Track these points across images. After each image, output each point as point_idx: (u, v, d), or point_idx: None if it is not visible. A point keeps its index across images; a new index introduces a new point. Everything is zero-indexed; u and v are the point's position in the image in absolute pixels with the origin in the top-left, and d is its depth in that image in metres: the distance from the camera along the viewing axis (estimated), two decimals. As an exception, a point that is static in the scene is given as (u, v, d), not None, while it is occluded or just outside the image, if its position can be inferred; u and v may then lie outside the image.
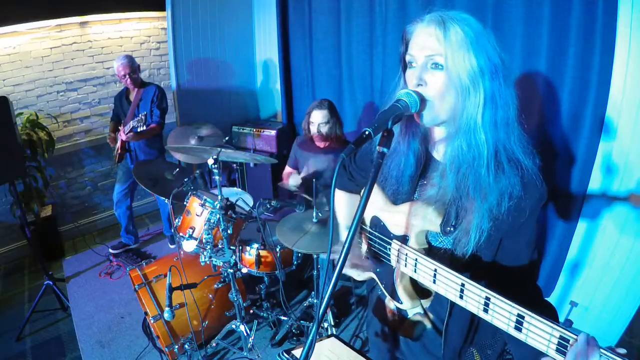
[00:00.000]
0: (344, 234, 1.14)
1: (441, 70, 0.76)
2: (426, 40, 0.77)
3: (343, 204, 1.19)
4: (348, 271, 1.04)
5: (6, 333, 2.47)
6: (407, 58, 0.82)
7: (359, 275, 1.06)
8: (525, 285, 0.87)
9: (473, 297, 0.73)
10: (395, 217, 0.94)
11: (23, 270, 3.18)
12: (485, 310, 0.72)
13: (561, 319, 2.14)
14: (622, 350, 0.59)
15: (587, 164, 1.84)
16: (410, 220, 0.89)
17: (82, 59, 3.27)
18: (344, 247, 0.69)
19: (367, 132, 0.71)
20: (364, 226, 1.06)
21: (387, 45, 2.56)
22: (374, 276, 1.04)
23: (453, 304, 0.89)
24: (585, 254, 1.98)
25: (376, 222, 1.00)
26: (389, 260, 0.95)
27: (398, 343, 1.11)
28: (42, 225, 3.14)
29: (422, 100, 0.78)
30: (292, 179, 2.43)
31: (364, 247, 1.08)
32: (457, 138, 0.78)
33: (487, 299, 0.70)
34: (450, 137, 0.81)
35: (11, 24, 2.85)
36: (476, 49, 0.74)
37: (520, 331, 0.67)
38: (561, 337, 0.63)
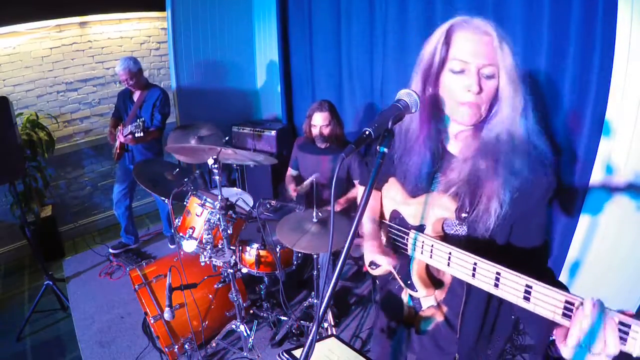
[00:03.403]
0: (369, 227, 1.15)
1: (492, 78, 0.82)
2: (482, 49, 0.81)
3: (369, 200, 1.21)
4: (378, 259, 1.02)
5: (6, 333, 2.46)
6: (454, 63, 0.83)
7: (374, 269, 1.06)
8: (537, 269, 0.88)
9: (484, 274, 0.76)
10: (412, 209, 0.97)
11: (23, 270, 3.18)
12: (496, 285, 0.75)
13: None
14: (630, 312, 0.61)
15: (587, 163, 1.84)
16: (427, 209, 0.93)
17: (82, 59, 3.28)
18: (346, 244, 0.69)
19: (367, 132, 0.72)
20: (382, 220, 1.10)
21: (387, 45, 2.56)
22: (391, 268, 1.06)
23: (469, 295, 0.93)
24: (585, 253, 1.98)
25: (395, 215, 1.05)
26: (406, 250, 0.98)
27: (407, 339, 1.11)
28: (42, 225, 3.14)
29: (465, 106, 0.83)
30: (291, 188, 2.45)
31: (384, 238, 1.11)
32: (496, 134, 0.84)
33: (498, 274, 0.74)
34: (489, 132, 0.85)
35: (11, 24, 2.85)
36: (514, 57, 0.81)
37: (529, 301, 0.69)
38: (567, 302, 0.65)
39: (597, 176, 1.84)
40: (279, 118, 3.87)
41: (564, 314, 0.65)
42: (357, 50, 2.85)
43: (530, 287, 0.69)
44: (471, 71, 0.81)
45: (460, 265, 0.81)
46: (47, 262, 3.08)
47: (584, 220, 1.94)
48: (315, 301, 2.32)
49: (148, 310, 2.04)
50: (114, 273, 3.00)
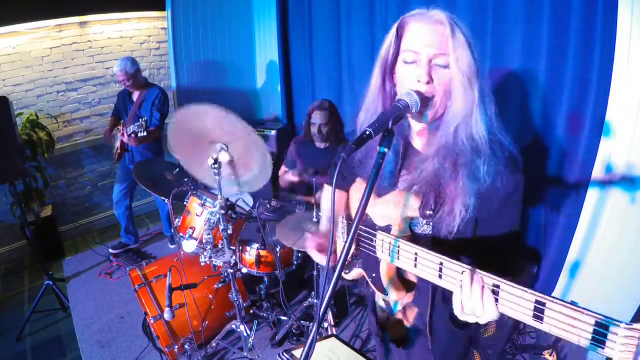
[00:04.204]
0: (326, 225, 1.17)
1: (446, 68, 0.78)
2: (434, 39, 0.78)
3: (335, 201, 1.20)
4: (311, 253, 1.06)
5: (6, 333, 2.47)
6: (406, 54, 0.82)
7: (347, 273, 1.07)
8: (501, 261, 0.87)
9: (451, 275, 0.73)
10: (379, 209, 0.96)
11: (23, 270, 3.18)
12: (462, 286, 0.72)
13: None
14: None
15: (587, 163, 1.84)
16: (393, 209, 0.91)
17: (82, 59, 3.28)
18: (344, 246, 0.69)
19: (367, 132, 0.72)
20: (350, 223, 1.08)
21: (387, 45, 2.56)
22: (363, 272, 1.05)
23: (434, 297, 0.91)
24: (585, 254, 1.98)
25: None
26: (375, 252, 0.96)
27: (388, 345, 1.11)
28: (42, 225, 3.14)
29: (424, 99, 0.79)
30: (286, 177, 2.42)
31: (353, 246, 1.09)
32: (452, 130, 0.80)
33: (469, 271, 0.71)
34: (445, 129, 0.82)
35: (11, 24, 2.85)
36: (471, 51, 0.78)
37: (498, 302, 0.66)
38: (537, 302, 0.60)
39: (597, 176, 1.84)
40: (279, 118, 3.87)
41: (535, 316, 0.61)
42: (357, 50, 2.85)
43: (498, 287, 0.65)
44: (422, 61, 0.80)
45: (427, 266, 0.78)
46: (47, 262, 3.08)
47: (584, 220, 1.94)
48: (315, 301, 2.32)
49: (148, 310, 2.04)
50: (114, 273, 3.00)
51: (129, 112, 2.88)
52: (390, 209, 0.92)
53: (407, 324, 1.02)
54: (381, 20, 2.57)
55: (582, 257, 2.00)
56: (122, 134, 2.77)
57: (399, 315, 1.03)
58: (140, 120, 2.58)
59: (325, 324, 2.24)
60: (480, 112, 0.80)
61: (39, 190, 3.16)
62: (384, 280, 0.96)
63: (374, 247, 0.95)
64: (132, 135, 2.65)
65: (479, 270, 0.67)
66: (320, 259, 1.04)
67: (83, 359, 2.23)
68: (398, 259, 0.86)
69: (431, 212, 0.85)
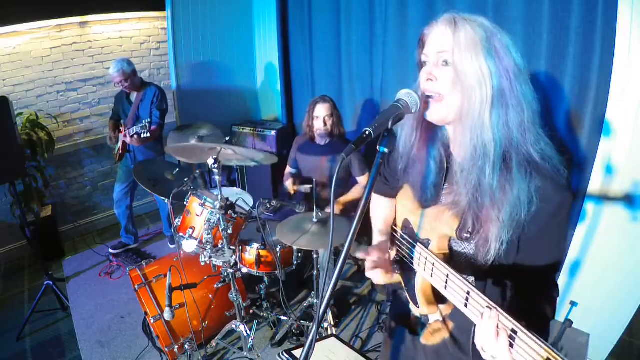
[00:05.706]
0: (376, 239, 1.11)
1: (449, 66, 0.78)
2: (438, 39, 0.79)
3: (381, 208, 1.17)
4: (369, 274, 1.00)
5: (6, 333, 2.47)
6: (422, 58, 0.84)
7: (379, 278, 1.04)
8: (542, 290, 0.84)
9: (476, 307, 0.71)
10: (420, 220, 0.93)
11: (23, 270, 3.18)
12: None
13: (561, 319, 2.14)
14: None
15: (587, 164, 1.84)
16: (433, 224, 0.89)
17: (82, 59, 3.28)
18: (343, 247, 0.69)
19: (367, 132, 0.72)
20: (395, 228, 1.06)
21: (387, 45, 2.56)
22: (400, 279, 1.03)
23: None
24: (585, 254, 1.98)
25: (406, 225, 1.00)
26: (412, 264, 0.94)
27: (417, 350, 1.07)
28: (42, 225, 3.14)
29: (425, 99, 0.79)
30: (290, 183, 2.45)
31: (394, 251, 1.07)
32: (465, 138, 0.78)
33: (489, 309, 0.69)
34: (460, 138, 0.80)
35: (11, 24, 2.85)
36: (486, 50, 0.74)
37: (512, 347, 0.65)
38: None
39: (597, 176, 1.84)
40: (279, 118, 3.87)
41: None
42: (357, 50, 2.85)
43: (515, 333, 0.64)
44: (429, 62, 0.81)
45: (456, 292, 0.75)
46: (47, 262, 3.09)
47: (583, 221, 1.94)
48: (315, 301, 2.32)
49: (148, 310, 2.04)
50: (114, 273, 3.00)
51: (129, 113, 2.88)
52: (431, 223, 0.89)
53: (445, 334, 0.97)
54: (381, 20, 2.56)
55: (582, 257, 2.00)
56: (125, 135, 2.78)
57: (437, 326, 0.99)
58: (144, 122, 2.60)
59: (325, 324, 2.24)
60: (491, 119, 0.75)
61: (39, 190, 3.16)
62: (418, 293, 0.94)
63: (412, 257, 0.93)
64: (135, 136, 2.66)
65: (501, 310, 0.66)
66: (377, 277, 0.98)
67: (83, 358, 2.23)
68: (432, 276, 0.83)
69: (468, 236, 0.81)
